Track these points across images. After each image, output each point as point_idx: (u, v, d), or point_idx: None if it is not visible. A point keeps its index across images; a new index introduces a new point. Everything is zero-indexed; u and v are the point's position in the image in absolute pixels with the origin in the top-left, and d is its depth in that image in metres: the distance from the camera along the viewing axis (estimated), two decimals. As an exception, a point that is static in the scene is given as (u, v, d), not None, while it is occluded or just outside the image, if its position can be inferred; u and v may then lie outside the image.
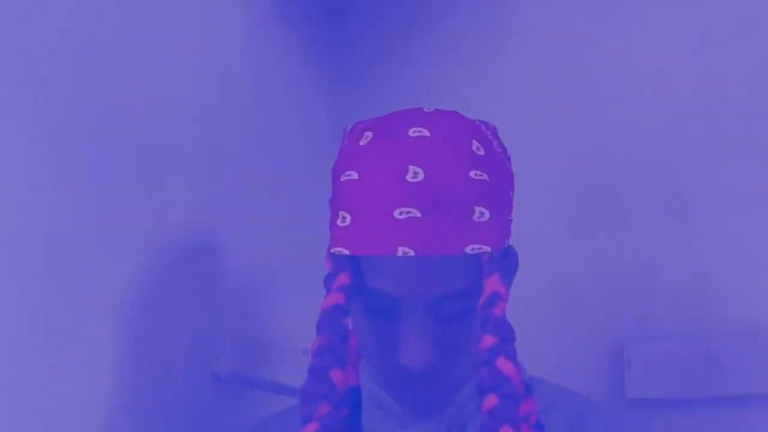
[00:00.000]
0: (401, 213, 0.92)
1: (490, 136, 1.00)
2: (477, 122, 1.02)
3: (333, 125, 1.68)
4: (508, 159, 1.03)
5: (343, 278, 0.96)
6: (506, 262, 1.02)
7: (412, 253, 0.90)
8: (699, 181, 1.47)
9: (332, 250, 0.97)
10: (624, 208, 1.52)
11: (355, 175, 0.95)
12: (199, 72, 1.40)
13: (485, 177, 0.94)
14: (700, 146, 1.48)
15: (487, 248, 0.93)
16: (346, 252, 0.94)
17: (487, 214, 0.94)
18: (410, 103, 1.26)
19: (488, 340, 0.92)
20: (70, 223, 1.12)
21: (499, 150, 1.01)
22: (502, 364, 0.92)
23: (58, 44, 1.13)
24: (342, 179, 0.97)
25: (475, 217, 0.93)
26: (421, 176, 0.92)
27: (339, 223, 0.96)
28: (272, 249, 1.54)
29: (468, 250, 0.92)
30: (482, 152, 0.96)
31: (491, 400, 0.90)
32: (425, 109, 1.00)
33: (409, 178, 0.91)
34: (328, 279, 0.97)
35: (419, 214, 0.91)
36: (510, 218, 1.01)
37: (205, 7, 1.43)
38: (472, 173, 0.94)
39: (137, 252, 1.24)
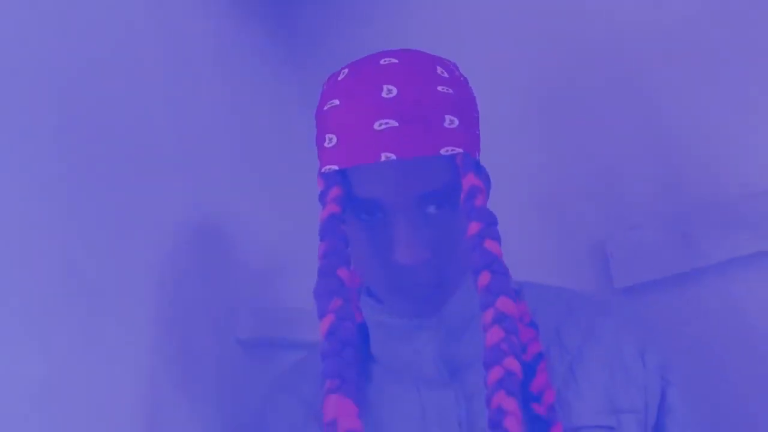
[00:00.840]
0: (380, 125, 1.03)
1: (451, 66, 1.12)
2: (439, 57, 1.12)
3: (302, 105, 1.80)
4: (470, 87, 1.14)
5: (335, 191, 1.06)
6: (480, 171, 1.12)
7: (393, 156, 1.02)
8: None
9: (323, 170, 1.07)
10: (595, 112, 1.60)
11: (336, 102, 1.06)
12: (175, 72, 1.49)
13: (451, 91, 1.06)
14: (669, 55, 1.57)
15: (459, 150, 1.05)
16: (335, 167, 1.05)
17: (457, 122, 1.06)
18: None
19: (474, 227, 1.03)
20: (87, 219, 1.22)
21: (462, 78, 1.12)
22: (490, 244, 1.03)
23: (40, 52, 1.21)
24: (325, 109, 1.08)
25: (446, 124, 1.05)
26: (394, 92, 1.03)
27: (326, 144, 1.07)
28: (274, 228, 1.63)
29: (443, 151, 1.04)
30: (446, 75, 1.08)
31: (485, 277, 1.02)
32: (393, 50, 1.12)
33: (384, 95, 1.03)
34: (323, 195, 1.07)
35: (396, 124, 1.02)
36: (478, 134, 1.12)
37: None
38: (439, 88, 1.06)
39: (156, 242, 1.34)
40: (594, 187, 1.58)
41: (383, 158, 1.02)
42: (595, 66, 1.59)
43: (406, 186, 1.04)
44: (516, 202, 1.58)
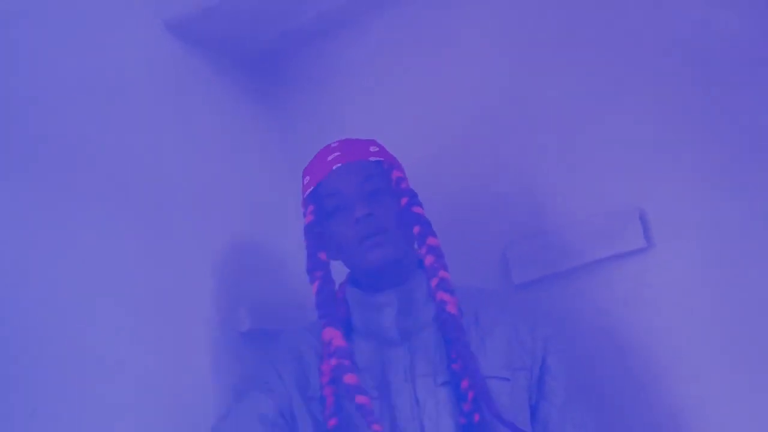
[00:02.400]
0: (330, 158, 1.61)
1: (378, 144, 1.66)
2: (367, 139, 1.67)
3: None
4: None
5: (310, 208, 1.62)
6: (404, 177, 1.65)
7: (339, 164, 1.59)
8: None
9: (305, 195, 1.63)
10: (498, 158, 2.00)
11: (307, 176, 1.65)
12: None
13: (378, 149, 1.64)
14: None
15: (382, 159, 1.62)
16: (312, 186, 1.62)
17: (378, 149, 1.64)
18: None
19: (416, 229, 1.59)
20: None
21: (389, 152, 1.67)
22: (431, 240, 1.58)
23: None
24: (304, 182, 1.66)
25: (371, 149, 1.63)
26: (338, 151, 1.62)
27: (305, 183, 1.64)
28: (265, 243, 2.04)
29: (371, 158, 1.61)
30: (377, 147, 1.65)
31: (429, 259, 1.56)
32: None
33: (330, 158, 1.62)
34: (304, 215, 1.63)
35: (339, 153, 1.61)
36: (401, 174, 1.65)
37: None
38: (371, 148, 1.64)
39: (171, 257, 1.76)
40: (496, 208, 2.00)
41: (333, 168, 1.60)
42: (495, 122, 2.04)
43: (350, 176, 1.59)
44: (440, 218, 1.91)
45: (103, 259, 1.62)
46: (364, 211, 1.56)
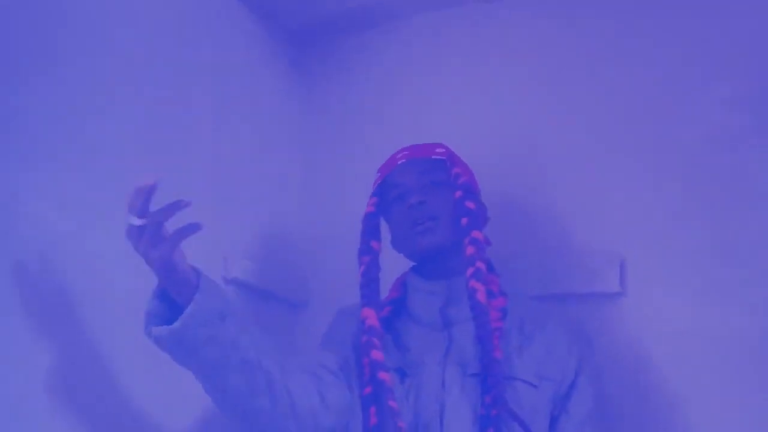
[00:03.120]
0: (399, 155, 1.77)
1: (447, 148, 1.80)
2: (437, 143, 1.81)
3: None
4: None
5: (373, 200, 1.77)
6: (466, 171, 1.77)
7: (404, 160, 1.75)
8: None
9: (374, 186, 1.78)
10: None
11: (378, 174, 1.81)
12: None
13: (444, 151, 1.78)
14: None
15: (445, 158, 1.76)
16: (379, 180, 1.77)
17: (444, 151, 1.78)
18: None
19: (464, 221, 1.69)
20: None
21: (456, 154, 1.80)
22: (476, 233, 1.68)
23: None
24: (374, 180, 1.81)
25: (437, 150, 1.78)
26: (406, 153, 1.78)
27: (376, 180, 1.79)
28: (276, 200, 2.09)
29: (434, 156, 1.76)
30: (443, 151, 1.79)
31: (470, 250, 1.66)
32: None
33: (398, 156, 1.78)
34: (370, 197, 1.78)
35: (407, 152, 1.77)
36: (469, 176, 1.78)
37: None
38: (437, 149, 1.78)
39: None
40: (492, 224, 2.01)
41: (399, 163, 1.76)
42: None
43: (412, 170, 1.74)
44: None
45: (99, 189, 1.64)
46: (418, 199, 1.70)
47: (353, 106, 2.32)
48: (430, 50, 2.27)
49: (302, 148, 2.30)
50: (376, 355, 1.63)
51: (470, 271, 1.65)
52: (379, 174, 1.80)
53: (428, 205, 1.70)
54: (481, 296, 1.62)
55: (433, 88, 2.24)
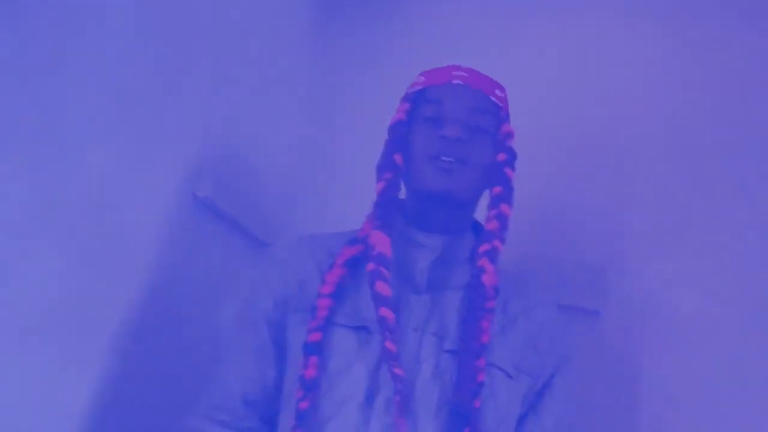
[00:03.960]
0: (456, 73, 1.49)
1: (506, 94, 1.55)
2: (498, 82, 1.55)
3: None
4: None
5: (405, 106, 1.50)
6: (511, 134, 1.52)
7: (461, 82, 1.48)
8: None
9: (410, 90, 1.51)
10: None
11: (421, 77, 1.52)
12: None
13: (503, 97, 1.52)
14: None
15: (502, 105, 1.50)
16: (419, 87, 1.50)
17: (503, 96, 1.52)
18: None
19: (498, 189, 1.46)
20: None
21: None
22: (504, 207, 1.45)
23: None
24: (414, 81, 1.53)
25: (497, 92, 1.51)
26: (465, 75, 1.49)
27: (417, 82, 1.52)
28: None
29: (492, 97, 1.49)
30: (503, 96, 1.53)
31: (494, 224, 1.44)
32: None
33: (455, 73, 1.50)
34: (402, 102, 1.51)
35: (466, 75, 1.49)
36: (511, 132, 1.52)
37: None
38: (497, 90, 1.51)
39: None
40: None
41: (453, 81, 1.48)
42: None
43: (462, 98, 1.47)
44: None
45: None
46: (456, 134, 1.43)
47: (372, 56, 2.20)
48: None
49: (318, 96, 2.19)
50: (382, 288, 1.37)
51: (485, 247, 1.42)
52: (423, 79, 1.51)
53: (465, 146, 1.44)
54: (487, 279, 1.40)
55: (455, 39, 2.14)
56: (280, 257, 1.53)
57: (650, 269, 1.89)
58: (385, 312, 1.37)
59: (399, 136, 1.48)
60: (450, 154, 1.43)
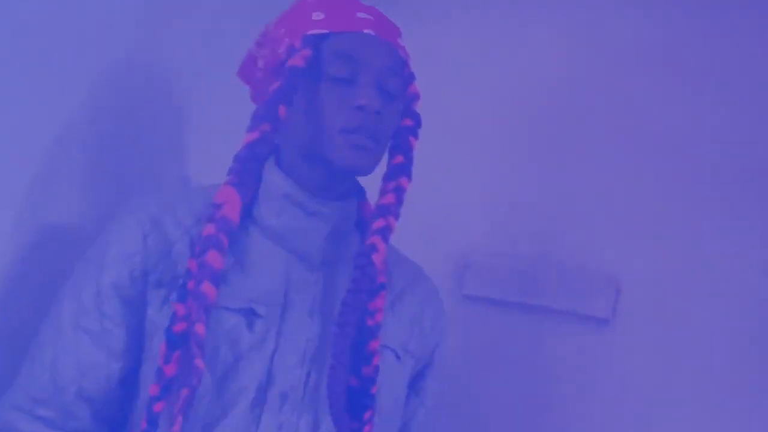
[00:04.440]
0: (361, 15, 1.27)
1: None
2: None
3: None
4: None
5: (306, 51, 1.24)
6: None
7: (373, 33, 1.26)
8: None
9: (308, 32, 1.25)
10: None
11: (320, 13, 1.27)
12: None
13: (405, 47, 1.32)
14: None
15: (406, 59, 1.30)
16: (323, 31, 1.25)
17: (405, 48, 1.31)
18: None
19: (399, 159, 1.29)
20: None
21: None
22: (404, 181, 1.29)
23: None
24: (309, 1, 1.29)
25: (400, 41, 1.30)
26: (372, 21, 1.27)
27: (314, 17, 1.26)
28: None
29: (401, 52, 1.28)
30: (404, 44, 1.32)
31: (389, 198, 1.27)
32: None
33: (360, 16, 1.27)
34: (291, 53, 1.25)
35: (372, 18, 1.27)
36: (417, 92, 1.34)
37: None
38: (399, 39, 1.31)
39: None
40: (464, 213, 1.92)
41: (366, 32, 1.25)
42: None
43: (376, 56, 1.25)
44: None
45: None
46: (377, 107, 1.23)
47: None
48: None
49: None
50: (214, 259, 1.16)
51: (379, 223, 1.25)
52: (323, 18, 1.27)
53: (380, 120, 1.25)
54: (377, 259, 1.23)
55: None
56: (140, 217, 1.25)
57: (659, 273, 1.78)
58: (207, 288, 1.15)
59: (290, 85, 1.23)
60: (367, 133, 1.24)
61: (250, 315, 1.21)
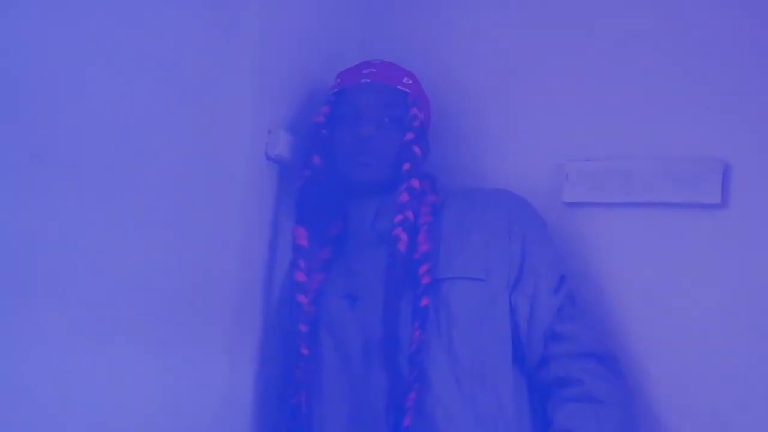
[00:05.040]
0: (366, 71, 1.72)
1: (414, 75, 1.76)
2: (406, 70, 1.75)
3: None
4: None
5: (325, 109, 1.72)
6: (423, 108, 1.73)
7: (369, 80, 1.70)
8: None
9: (329, 93, 1.74)
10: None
11: (338, 80, 1.75)
12: None
13: (410, 82, 1.73)
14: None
15: (409, 91, 1.71)
16: (337, 89, 1.72)
17: (411, 82, 1.73)
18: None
19: (406, 166, 1.65)
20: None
21: (420, 84, 1.76)
22: (416, 149, 1.66)
23: None
24: (333, 84, 1.76)
25: (404, 80, 1.73)
26: (374, 72, 1.71)
27: (334, 83, 1.75)
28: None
29: (400, 87, 1.71)
30: (410, 80, 1.74)
31: (407, 166, 1.65)
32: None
33: (365, 71, 1.72)
34: (323, 104, 1.73)
35: (375, 71, 1.72)
36: (428, 109, 1.77)
37: None
38: (404, 79, 1.73)
39: None
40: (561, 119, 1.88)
41: (363, 81, 1.70)
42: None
43: (373, 96, 1.69)
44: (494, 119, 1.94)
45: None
46: (369, 132, 1.65)
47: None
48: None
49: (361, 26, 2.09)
50: (299, 276, 1.63)
51: (399, 218, 1.62)
52: (338, 81, 1.75)
53: (376, 142, 1.66)
54: (402, 246, 1.59)
55: None
56: None
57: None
58: (300, 298, 1.63)
59: (318, 138, 1.70)
60: (364, 152, 1.66)
61: (351, 299, 1.65)
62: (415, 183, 1.64)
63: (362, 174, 1.67)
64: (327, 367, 1.64)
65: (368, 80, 1.71)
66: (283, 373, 1.70)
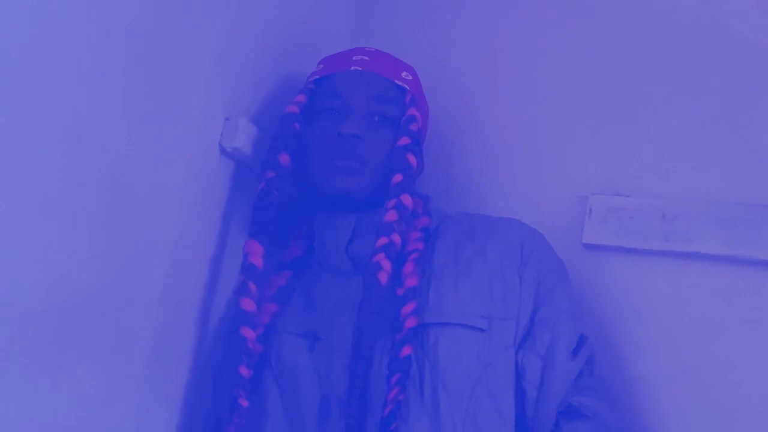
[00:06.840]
0: (356, 58, 1.45)
1: (415, 74, 1.49)
2: (405, 63, 1.48)
3: None
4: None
5: (300, 97, 1.44)
6: (422, 109, 1.47)
7: (360, 68, 1.43)
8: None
9: (309, 80, 1.47)
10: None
11: (321, 65, 1.49)
12: None
13: (411, 79, 1.47)
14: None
15: (408, 88, 1.44)
16: (315, 77, 1.46)
17: (411, 78, 1.46)
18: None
19: (398, 177, 1.36)
20: None
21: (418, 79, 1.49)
22: (410, 157, 1.38)
23: None
24: (314, 70, 1.49)
25: (403, 75, 1.46)
26: (366, 60, 1.45)
27: (317, 69, 1.48)
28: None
29: (397, 81, 1.44)
30: (410, 78, 1.47)
31: (398, 177, 1.36)
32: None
33: (355, 58, 1.45)
34: (299, 92, 1.46)
35: (368, 58, 1.45)
36: (426, 108, 1.50)
37: None
38: (403, 73, 1.46)
39: None
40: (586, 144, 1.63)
41: (352, 68, 1.43)
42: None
43: (363, 87, 1.41)
44: (502, 135, 1.68)
45: None
46: (354, 131, 1.38)
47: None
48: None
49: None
50: (246, 304, 1.33)
51: (382, 241, 1.32)
52: (321, 66, 1.48)
53: (363, 143, 1.39)
54: (383, 277, 1.30)
55: None
56: None
57: None
58: (245, 332, 1.33)
59: (288, 132, 1.41)
60: (346, 155, 1.38)
61: (311, 338, 1.36)
62: (407, 200, 1.36)
63: (339, 182, 1.37)
64: (270, 428, 1.33)
65: (359, 68, 1.43)
66: (211, 427, 1.39)
